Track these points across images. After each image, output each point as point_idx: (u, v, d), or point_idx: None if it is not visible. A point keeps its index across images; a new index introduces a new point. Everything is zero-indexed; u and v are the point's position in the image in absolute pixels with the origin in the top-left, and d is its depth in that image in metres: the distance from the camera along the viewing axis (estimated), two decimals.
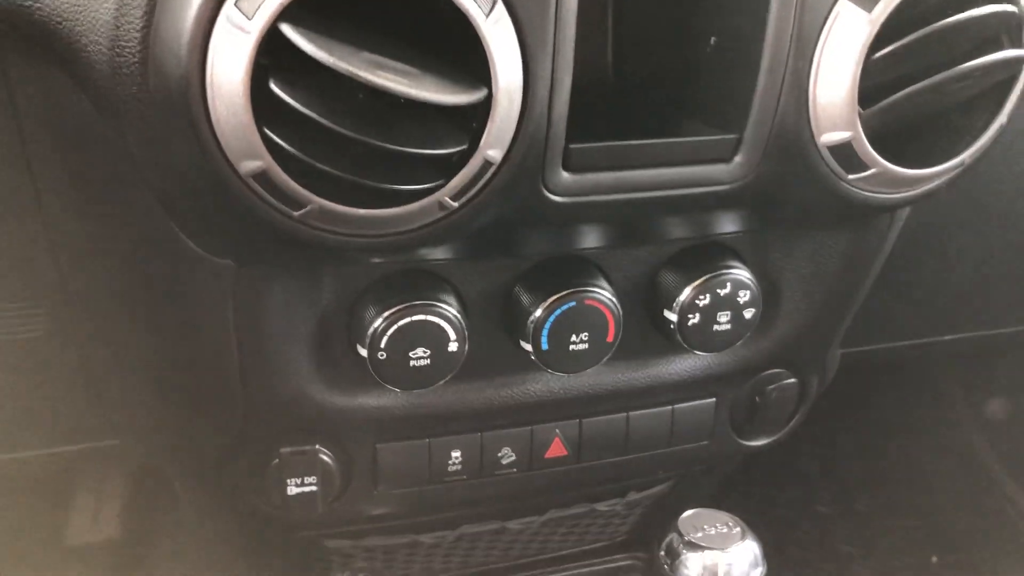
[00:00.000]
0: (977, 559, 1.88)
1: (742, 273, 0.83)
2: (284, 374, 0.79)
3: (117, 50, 0.58)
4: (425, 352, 0.76)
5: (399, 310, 0.75)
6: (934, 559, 1.91)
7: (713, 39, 0.70)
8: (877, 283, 0.96)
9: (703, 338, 0.84)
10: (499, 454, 0.90)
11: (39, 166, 0.73)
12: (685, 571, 0.81)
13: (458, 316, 0.77)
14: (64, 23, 0.60)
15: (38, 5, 0.60)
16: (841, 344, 1.03)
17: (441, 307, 0.76)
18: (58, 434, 1.00)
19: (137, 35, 0.57)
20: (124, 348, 0.85)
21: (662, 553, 0.83)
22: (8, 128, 0.70)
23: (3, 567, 1.76)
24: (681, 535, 0.82)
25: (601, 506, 1.14)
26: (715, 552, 0.80)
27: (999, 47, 0.66)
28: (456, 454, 0.88)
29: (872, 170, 0.69)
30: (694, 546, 0.81)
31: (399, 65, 0.55)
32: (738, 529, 0.82)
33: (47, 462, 0.99)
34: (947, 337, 1.31)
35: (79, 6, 0.58)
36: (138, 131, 0.61)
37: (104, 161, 0.67)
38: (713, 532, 0.82)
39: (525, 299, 0.81)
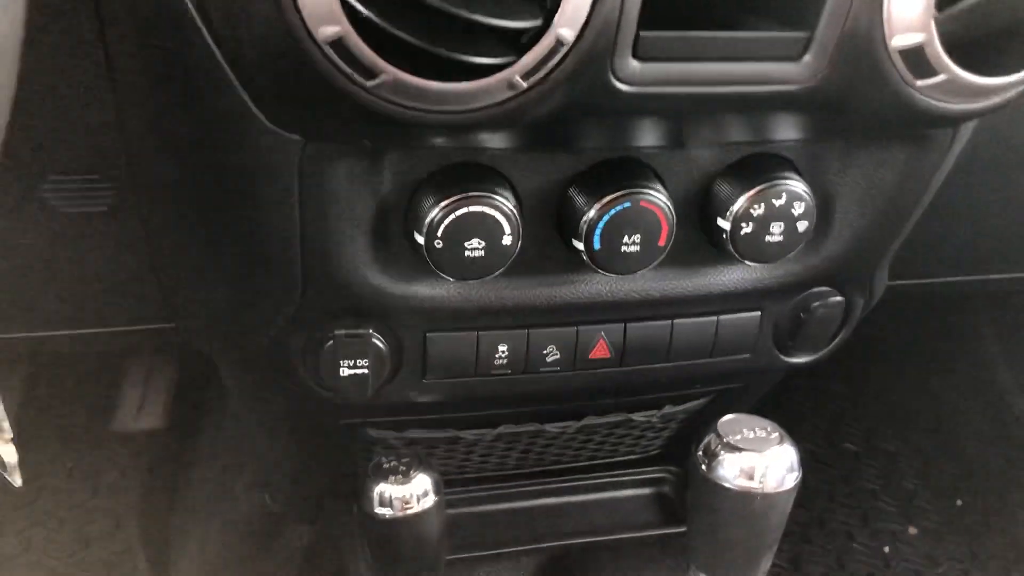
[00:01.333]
0: (1002, 504, 1.90)
1: (798, 185, 0.83)
2: (343, 256, 0.81)
3: None
4: (480, 243, 0.78)
5: (457, 200, 0.76)
6: (959, 502, 1.93)
7: None
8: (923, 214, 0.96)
9: (754, 248, 0.85)
10: (544, 352, 0.92)
11: (112, 33, 0.74)
12: (721, 471, 0.83)
13: (513, 211, 0.78)
14: None
15: None
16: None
17: (497, 200, 0.77)
18: (116, 313, 1.03)
19: None
20: (187, 225, 0.87)
21: (699, 453, 0.85)
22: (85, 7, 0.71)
23: (50, 448, 1.83)
24: (720, 436, 0.84)
25: (637, 416, 1.16)
26: (752, 454, 0.82)
27: None
28: (503, 348, 0.91)
29: (942, 76, 0.69)
30: (732, 447, 0.83)
31: None
32: (776, 434, 0.84)
33: (103, 341, 1.02)
34: (981, 277, 1.30)
35: None
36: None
37: (175, 29, 0.68)
38: (752, 436, 0.84)
39: (579, 198, 0.82)
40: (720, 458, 0.84)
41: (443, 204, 0.77)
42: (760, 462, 0.83)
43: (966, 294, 1.70)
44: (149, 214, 0.88)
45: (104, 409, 1.89)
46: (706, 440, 0.85)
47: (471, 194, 0.77)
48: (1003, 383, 1.89)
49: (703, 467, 0.84)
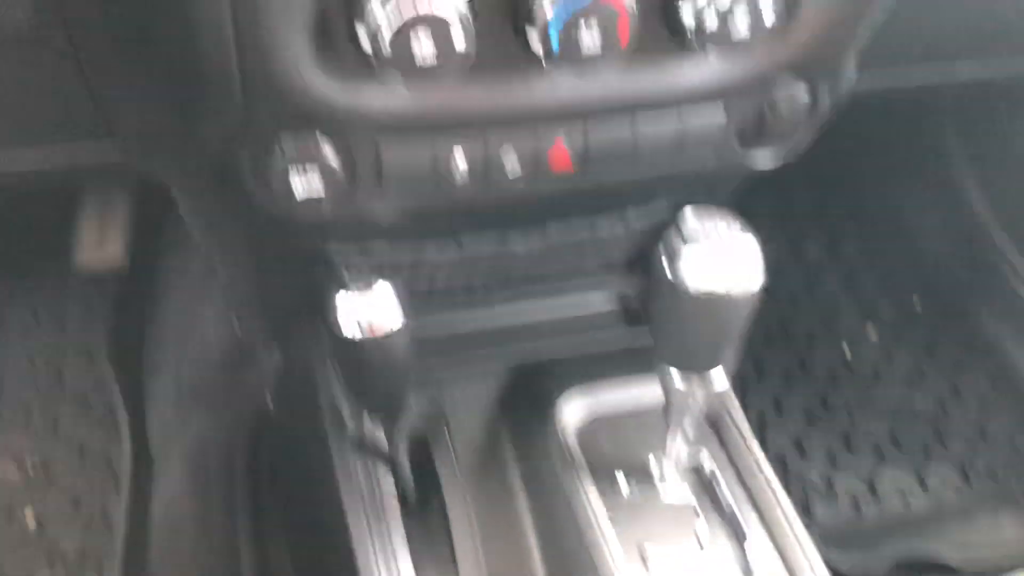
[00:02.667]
0: (960, 307, 1.95)
1: None
2: (282, 57, 0.76)
3: None
4: (431, 45, 0.74)
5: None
6: (915, 298, 1.98)
7: None
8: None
9: (720, 38, 0.81)
10: (504, 158, 0.89)
11: None
12: (683, 264, 0.82)
13: (465, 11, 0.73)
14: None
15: None
16: None
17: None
18: (57, 133, 0.98)
19: None
20: (114, 34, 0.82)
21: (660, 251, 0.84)
22: None
23: (14, 289, 1.81)
24: (679, 230, 0.83)
25: (602, 227, 1.16)
26: (715, 245, 0.82)
27: None
28: (459, 155, 0.88)
29: None
30: (694, 239, 0.82)
31: None
32: (737, 224, 0.83)
33: (50, 161, 0.98)
34: (950, 67, 1.27)
35: None
36: None
37: None
38: (712, 226, 0.83)
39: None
40: (682, 256, 0.84)
41: (391, 3, 0.72)
42: (723, 252, 0.83)
43: (934, 95, 1.68)
44: (76, 26, 0.82)
45: (65, 249, 1.86)
46: (667, 239, 0.85)
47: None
48: (964, 188, 1.91)
49: (663, 260, 0.84)
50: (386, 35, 0.73)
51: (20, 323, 1.80)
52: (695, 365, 0.90)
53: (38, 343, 1.77)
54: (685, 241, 0.82)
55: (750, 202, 1.07)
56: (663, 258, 0.83)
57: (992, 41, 1.22)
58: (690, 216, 0.84)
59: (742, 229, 0.83)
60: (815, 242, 2.08)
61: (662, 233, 1.22)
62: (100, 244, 1.76)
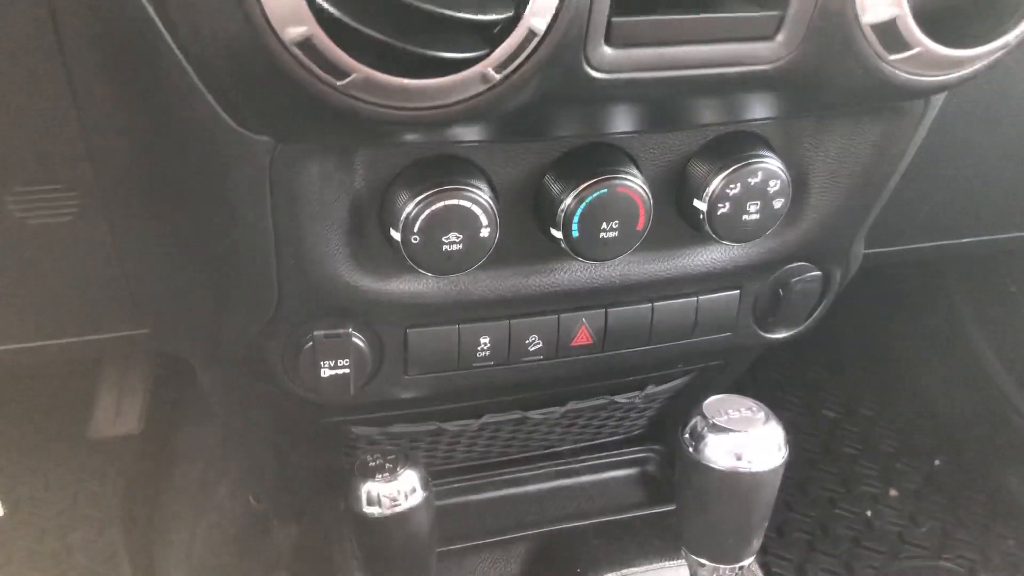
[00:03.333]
0: (979, 463, 1.93)
1: (773, 162, 0.83)
2: (318, 256, 0.80)
3: None
4: (458, 237, 0.77)
5: (432, 194, 0.75)
6: (936, 463, 1.96)
7: None
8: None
9: (732, 228, 0.85)
10: (526, 341, 0.91)
11: (71, 43, 0.72)
12: (709, 453, 0.83)
13: (490, 202, 0.77)
14: None
15: None
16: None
17: (473, 192, 0.76)
18: (87, 321, 1.01)
19: None
20: (157, 231, 0.85)
21: (686, 436, 0.85)
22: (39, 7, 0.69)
23: (26, 458, 1.80)
24: (706, 418, 0.84)
25: (620, 398, 1.16)
26: (739, 435, 0.82)
27: None
28: (485, 340, 0.90)
29: (915, 50, 0.68)
30: (718, 428, 0.83)
31: None
32: (762, 413, 0.84)
33: (75, 350, 1.00)
34: (954, 241, 1.31)
35: None
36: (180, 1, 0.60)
37: (138, 36, 0.66)
38: (737, 416, 0.84)
39: (556, 186, 0.81)
40: (707, 440, 0.84)
41: (418, 199, 0.75)
42: (747, 442, 0.83)
43: (940, 259, 1.72)
44: (120, 222, 0.85)
45: (80, 416, 1.86)
46: (692, 422, 0.85)
47: (446, 187, 0.76)
48: (976, 345, 1.92)
49: (690, 449, 0.84)
50: (415, 226, 0.76)
51: (30, 493, 1.78)
52: (725, 555, 0.88)
53: (49, 514, 1.75)
54: (710, 429, 0.83)
55: (764, 362, 1.08)
56: (689, 447, 0.84)
57: (992, 215, 1.27)
58: (713, 403, 0.85)
59: (765, 416, 0.84)
60: (831, 402, 2.08)
61: (681, 403, 1.23)
62: (117, 413, 1.77)
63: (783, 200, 0.85)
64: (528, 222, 0.85)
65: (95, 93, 0.74)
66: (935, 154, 0.98)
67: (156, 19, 0.63)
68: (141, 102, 0.73)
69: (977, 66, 0.72)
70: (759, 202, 0.84)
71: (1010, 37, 0.70)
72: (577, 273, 0.90)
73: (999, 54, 0.71)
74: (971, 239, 1.29)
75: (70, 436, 1.81)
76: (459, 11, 0.56)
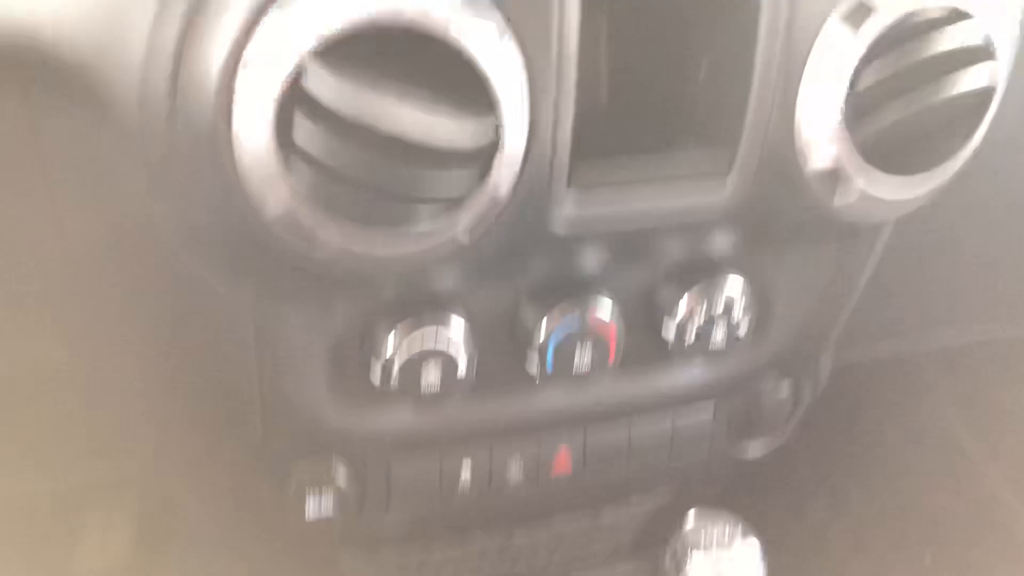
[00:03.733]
0: (970, 558, 1.92)
1: (736, 285, 0.86)
2: (301, 394, 0.82)
3: (146, 97, 0.61)
4: (435, 376, 0.80)
5: (411, 332, 0.78)
6: (928, 560, 1.95)
7: (705, 63, 0.73)
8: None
9: (701, 347, 0.88)
10: (507, 469, 0.93)
11: (61, 196, 0.75)
12: (691, 572, 0.84)
13: (467, 335, 0.80)
14: (93, 73, 0.63)
15: (68, 57, 0.62)
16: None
17: (449, 332, 0.79)
18: (70, 462, 1.02)
19: (164, 83, 0.60)
20: (139, 374, 0.88)
21: (667, 557, 0.86)
22: (29, 160, 0.73)
23: None
24: (684, 538, 0.85)
25: (605, 515, 1.17)
26: (719, 552, 0.84)
27: (977, 75, 0.70)
28: (466, 470, 0.92)
29: (858, 190, 0.73)
30: (698, 547, 0.84)
31: (416, 112, 0.59)
32: (739, 528, 0.86)
33: (58, 489, 1.01)
34: (932, 340, 1.35)
35: (107, 56, 0.62)
36: (162, 175, 0.64)
37: (125, 195, 0.70)
38: (715, 532, 0.86)
39: (529, 318, 0.84)
40: (688, 558, 0.86)
41: (398, 337, 0.78)
42: (727, 558, 0.84)
43: (912, 359, 1.75)
44: (105, 374, 0.88)
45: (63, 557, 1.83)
46: (672, 542, 0.87)
47: (424, 325, 0.79)
48: (960, 437, 1.94)
49: (671, 570, 0.86)
50: (396, 367, 0.78)
51: None
52: None
53: None
54: (692, 549, 0.84)
55: (749, 470, 1.10)
56: (670, 567, 0.85)
57: (963, 310, 1.31)
58: (693, 524, 0.87)
59: (743, 532, 0.86)
60: (819, 501, 2.08)
61: (666, 514, 1.24)
62: (102, 547, 1.74)
63: (749, 319, 0.88)
64: (505, 351, 0.88)
65: (80, 243, 0.78)
66: (898, 257, 1.02)
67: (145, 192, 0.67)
68: (126, 255, 0.77)
69: (918, 204, 0.77)
70: (725, 323, 0.87)
71: (944, 180, 0.75)
72: (554, 400, 0.92)
73: (937, 192, 0.76)
74: (943, 336, 1.33)
75: (55, 571, 1.78)
76: (430, 190, 0.60)
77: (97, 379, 0.90)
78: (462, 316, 0.83)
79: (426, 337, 0.78)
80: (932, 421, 1.97)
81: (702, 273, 0.87)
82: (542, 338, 0.82)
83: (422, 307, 0.81)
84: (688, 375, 0.95)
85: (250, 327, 0.77)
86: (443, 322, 0.79)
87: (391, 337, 0.78)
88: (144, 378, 0.87)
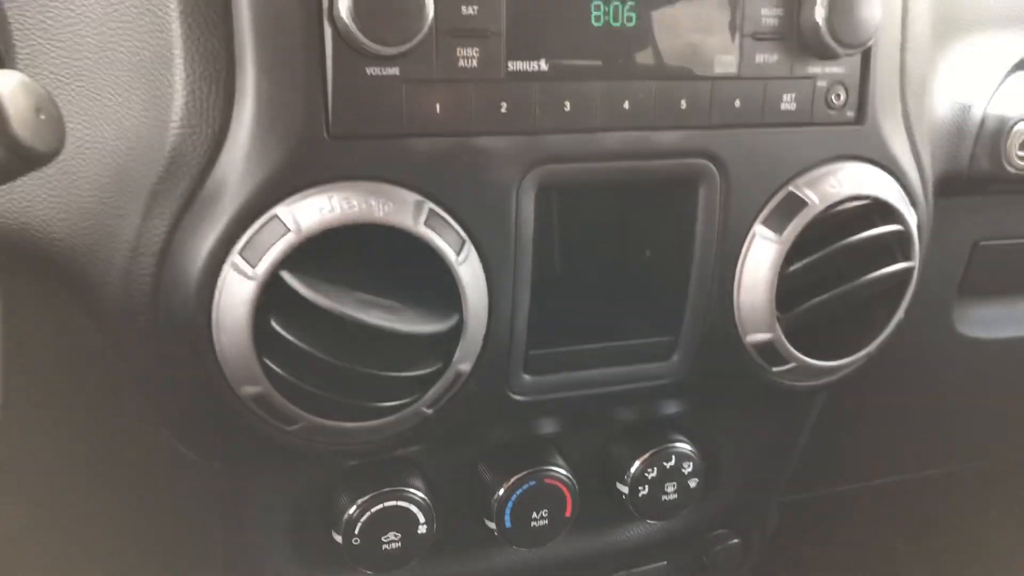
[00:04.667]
0: None
1: (685, 447, 0.91)
2: (265, 558, 0.84)
3: (129, 288, 0.65)
4: (396, 535, 0.82)
5: (371, 498, 0.81)
6: None
7: (648, 252, 0.80)
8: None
9: (652, 507, 0.92)
10: None
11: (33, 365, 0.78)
12: None
13: (426, 499, 0.83)
14: (78, 261, 0.67)
15: (56, 245, 0.67)
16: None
17: (410, 492, 0.82)
18: None
19: (149, 276, 0.64)
20: (105, 535, 0.89)
21: None
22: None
23: None
24: None
25: None
26: None
27: (893, 259, 0.78)
28: None
29: (792, 364, 0.79)
30: None
31: (384, 301, 0.64)
32: None
33: None
34: (877, 481, 1.40)
35: (95, 249, 0.66)
36: (142, 356, 0.68)
37: (99, 368, 0.73)
38: None
39: (488, 481, 0.88)
40: None
41: (358, 502, 0.81)
42: None
43: (855, 495, 1.80)
44: (69, 535, 0.89)
45: None
46: None
47: (384, 489, 0.81)
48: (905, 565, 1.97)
49: None
50: (358, 526, 0.81)
51: None
52: None
53: None
54: None
55: None
56: None
57: (909, 454, 1.36)
58: None
59: None
60: None
61: None
62: None
63: (697, 480, 0.92)
64: (464, 513, 0.90)
65: (48, 405, 0.80)
66: (835, 411, 1.08)
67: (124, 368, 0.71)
68: (97, 423, 0.80)
69: (847, 371, 0.83)
70: (675, 483, 0.91)
71: (871, 348, 0.81)
72: (513, 557, 0.95)
73: (863, 361, 0.82)
74: (881, 481, 1.38)
75: None
76: (397, 371, 0.65)
77: (61, 540, 0.91)
78: (423, 472, 0.86)
79: (387, 497, 0.81)
80: (878, 551, 2.00)
81: (654, 433, 0.92)
82: (500, 495, 0.86)
83: (383, 468, 0.84)
84: (642, 531, 0.99)
85: (217, 492, 0.79)
86: (403, 483, 0.82)
87: (352, 497, 0.81)
88: (109, 538, 0.88)
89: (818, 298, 0.76)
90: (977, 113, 0.89)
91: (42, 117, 0.54)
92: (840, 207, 0.76)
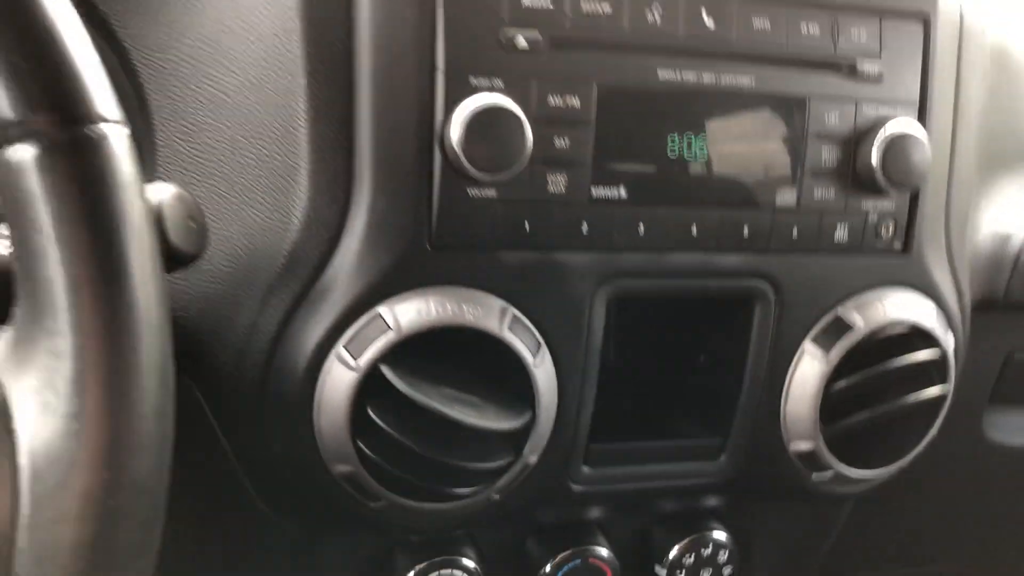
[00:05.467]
0: None
1: (721, 536, 0.97)
2: None
3: (242, 367, 0.73)
4: None
5: (427, 565, 0.87)
6: None
7: (703, 359, 0.87)
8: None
9: None
10: None
11: None
12: None
13: (477, 569, 0.89)
14: (198, 340, 0.75)
15: (181, 327, 0.74)
16: None
17: (463, 562, 0.89)
18: None
19: (261, 359, 0.72)
20: None
21: None
22: None
23: None
24: None
25: None
26: None
27: (931, 381, 0.84)
28: None
29: (831, 471, 0.85)
30: None
31: (467, 396, 0.71)
32: None
33: None
34: (903, 570, 1.43)
35: (215, 330, 0.74)
36: (245, 427, 0.75)
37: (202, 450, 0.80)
38: None
39: (536, 556, 0.94)
40: None
41: (415, 569, 0.87)
42: None
43: None
44: None
45: None
46: None
47: (440, 559, 0.88)
48: None
49: None
50: None
51: None
52: None
53: None
54: None
55: None
56: None
57: (935, 549, 1.40)
58: None
59: None
60: None
61: None
62: None
63: (732, 567, 0.98)
64: None
65: None
66: (867, 507, 1.13)
67: (216, 426, 0.78)
68: (194, 499, 0.87)
69: (883, 480, 0.89)
70: (711, 568, 0.97)
71: (904, 461, 0.87)
72: None
73: (897, 471, 0.88)
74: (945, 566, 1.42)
75: None
76: (475, 462, 0.72)
77: None
78: (474, 548, 0.92)
79: (441, 565, 0.87)
80: None
81: (693, 520, 0.98)
82: (547, 573, 0.92)
83: (440, 537, 0.90)
84: None
85: (287, 549, 0.86)
86: (458, 552, 0.89)
87: (410, 563, 0.88)
88: None
89: (859, 415, 0.82)
90: (1016, 243, 0.96)
91: (192, 225, 0.62)
92: (884, 331, 0.82)
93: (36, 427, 0.44)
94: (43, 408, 0.44)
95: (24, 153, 0.43)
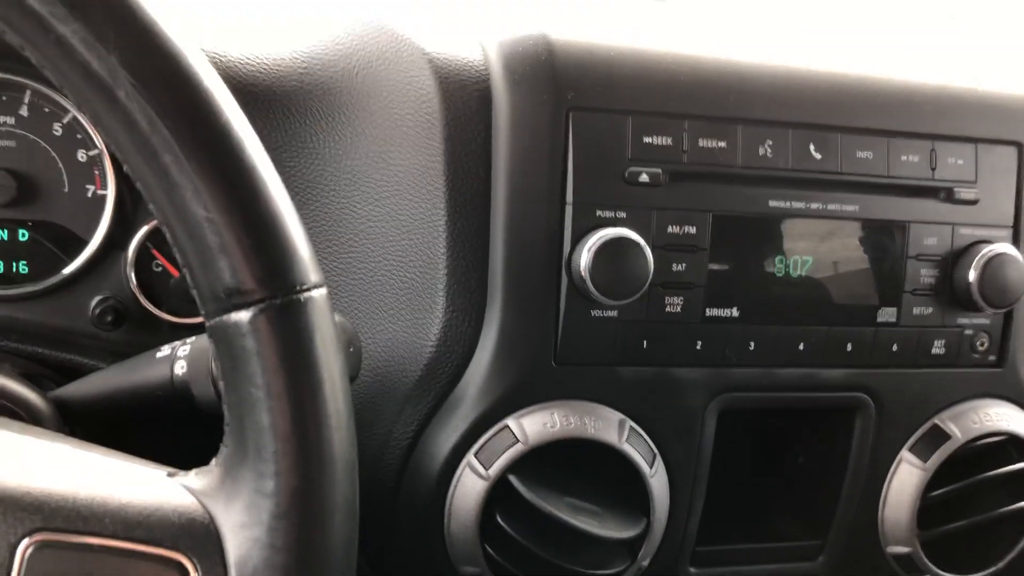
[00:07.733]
0: None
1: None
2: None
3: (377, 472, 0.78)
4: None
5: None
6: None
7: (805, 465, 0.91)
8: None
9: None
10: None
11: None
12: None
13: None
14: None
15: None
16: None
17: None
18: None
19: (396, 465, 0.78)
20: None
21: None
22: None
23: None
24: None
25: None
26: None
27: None
28: None
29: (928, 571, 0.88)
30: None
31: (588, 505, 0.76)
32: None
33: None
34: None
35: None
36: (377, 528, 0.81)
37: None
38: None
39: None
40: None
41: None
42: None
43: None
44: None
45: None
46: None
47: None
48: None
49: None
50: None
51: None
52: None
53: None
54: None
55: None
56: None
57: None
58: None
59: None
60: None
61: None
62: None
63: None
64: None
65: None
66: None
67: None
68: None
69: None
70: None
71: (1000, 565, 0.90)
72: None
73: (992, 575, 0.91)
74: None
75: None
76: (595, 569, 0.76)
77: None
78: None
79: None
80: None
81: None
82: None
83: None
84: None
85: None
86: None
87: None
88: None
89: (956, 524, 0.85)
90: None
91: (351, 350, 0.68)
92: (980, 441, 0.85)
93: (246, 557, 0.50)
94: (253, 543, 0.50)
95: (242, 316, 0.48)
